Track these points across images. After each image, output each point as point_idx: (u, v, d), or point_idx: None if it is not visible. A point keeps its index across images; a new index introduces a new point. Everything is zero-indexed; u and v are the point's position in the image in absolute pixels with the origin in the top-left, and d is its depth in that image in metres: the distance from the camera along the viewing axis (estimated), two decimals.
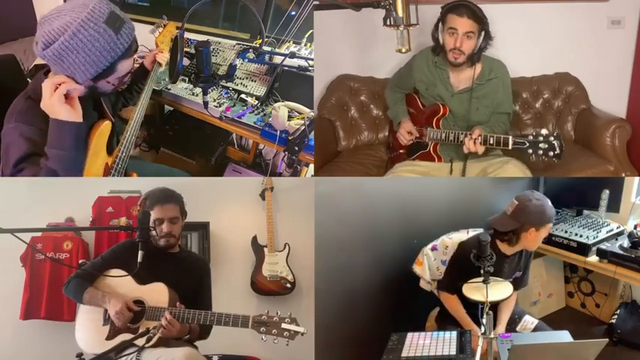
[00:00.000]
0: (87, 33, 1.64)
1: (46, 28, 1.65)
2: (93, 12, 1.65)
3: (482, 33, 2.30)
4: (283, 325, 1.81)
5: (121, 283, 1.94)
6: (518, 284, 2.16)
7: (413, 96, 2.59)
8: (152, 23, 2.71)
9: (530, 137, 2.10)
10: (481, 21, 2.28)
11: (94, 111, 2.05)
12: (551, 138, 2.07)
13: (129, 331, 1.87)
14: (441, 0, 2.40)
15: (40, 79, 1.85)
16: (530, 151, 2.10)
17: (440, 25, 2.35)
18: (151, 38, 2.61)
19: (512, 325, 2.16)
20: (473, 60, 2.34)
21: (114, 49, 1.71)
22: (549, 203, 2.00)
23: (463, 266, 2.11)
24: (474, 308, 2.05)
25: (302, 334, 1.81)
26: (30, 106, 1.77)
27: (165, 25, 2.64)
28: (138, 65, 2.34)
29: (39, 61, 3.78)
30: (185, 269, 2.05)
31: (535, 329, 2.14)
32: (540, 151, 2.09)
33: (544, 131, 2.09)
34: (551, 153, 2.07)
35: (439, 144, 2.46)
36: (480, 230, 2.40)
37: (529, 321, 2.17)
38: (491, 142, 2.20)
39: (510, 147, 2.15)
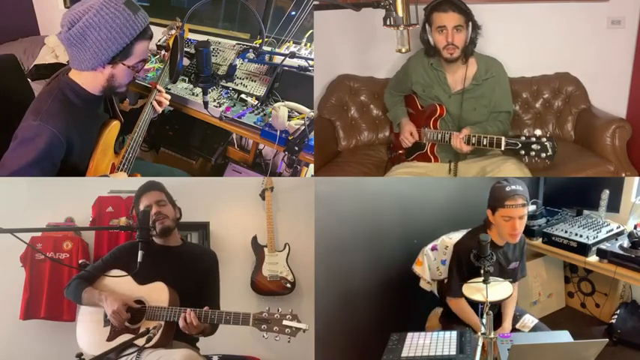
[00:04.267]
0: (108, 11, 1.76)
1: (70, 12, 1.77)
2: None
3: (470, 24, 2.31)
4: (285, 322, 1.79)
5: (120, 283, 1.94)
6: (516, 274, 2.17)
7: (412, 97, 2.60)
8: (152, 23, 2.70)
9: (523, 138, 2.10)
10: (466, 13, 2.30)
11: (105, 112, 2.08)
12: (544, 139, 2.07)
13: (130, 332, 1.86)
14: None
15: (62, 79, 1.90)
16: (523, 152, 2.10)
17: (427, 26, 2.36)
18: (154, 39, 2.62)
19: (513, 323, 2.15)
20: (467, 54, 2.35)
21: (133, 27, 1.81)
22: (513, 186, 1.99)
23: (467, 261, 2.11)
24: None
25: (304, 331, 1.79)
26: (56, 109, 1.83)
27: (178, 27, 2.64)
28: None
29: (39, 61, 3.79)
30: (187, 264, 2.02)
31: (534, 329, 2.14)
32: (532, 152, 2.09)
33: (537, 132, 2.09)
34: (544, 154, 2.07)
35: (436, 145, 2.47)
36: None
37: (529, 319, 2.17)
38: (485, 142, 2.20)
39: (503, 148, 2.15)
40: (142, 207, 1.99)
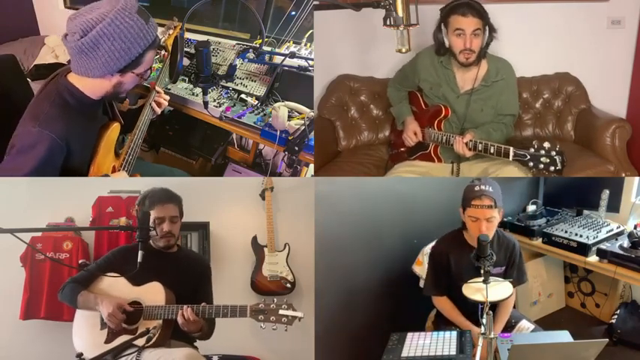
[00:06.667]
0: (123, 20, 1.72)
1: (81, 19, 1.71)
2: (126, 4, 1.74)
3: (487, 27, 2.30)
4: (281, 312, 1.83)
5: (116, 285, 1.93)
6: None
7: (416, 94, 2.59)
8: None
9: (532, 150, 2.08)
10: (484, 16, 2.29)
11: (104, 115, 2.07)
12: (553, 153, 2.05)
13: (128, 333, 1.86)
14: (441, 0, 2.39)
15: (60, 82, 1.87)
16: (532, 164, 2.09)
17: (442, 27, 2.35)
18: None
19: (508, 330, 2.11)
20: (480, 56, 2.34)
21: (145, 37, 1.78)
22: (483, 186, 1.97)
23: (439, 263, 2.12)
24: (472, 313, 2.05)
25: (299, 319, 1.83)
26: (56, 113, 1.80)
27: (175, 27, 2.64)
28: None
29: (39, 61, 3.79)
30: (183, 269, 2.04)
31: None
32: (541, 165, 2.07)
33: (546, 144, 2.07)
34: (552, 168, 2.06)
35: (439, 146, 2.47)
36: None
37: (525, 326, 2.12)
38: (492, 151, 2.19)
39: (511, 158, 2.14)
40: (154, 216, 1.98)
